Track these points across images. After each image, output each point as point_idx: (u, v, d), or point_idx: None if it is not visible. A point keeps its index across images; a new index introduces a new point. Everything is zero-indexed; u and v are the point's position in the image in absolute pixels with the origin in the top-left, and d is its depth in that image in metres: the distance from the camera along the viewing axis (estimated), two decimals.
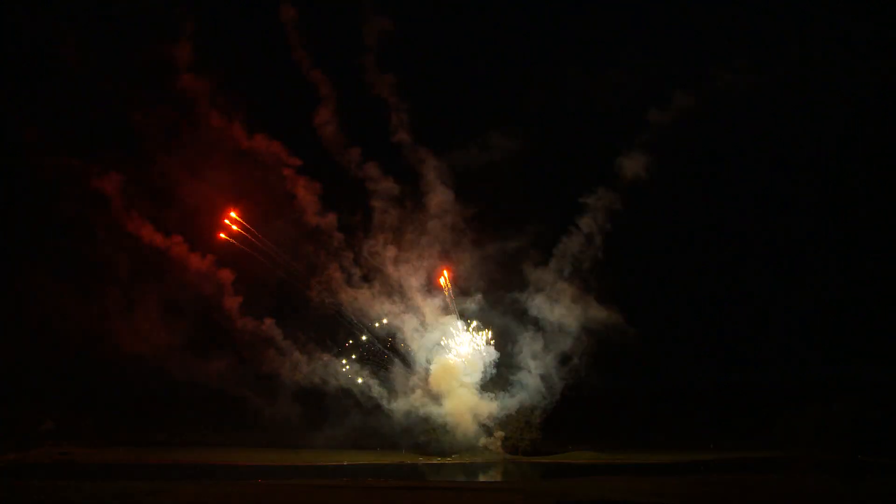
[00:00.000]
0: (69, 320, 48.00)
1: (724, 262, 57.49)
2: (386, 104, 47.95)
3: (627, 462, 43.45)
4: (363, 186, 48.30)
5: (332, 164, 48.28)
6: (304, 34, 47.98)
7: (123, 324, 48.05)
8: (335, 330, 49.08)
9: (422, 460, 45.69)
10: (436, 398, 47.42)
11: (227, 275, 47.82)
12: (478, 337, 48.29)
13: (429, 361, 48.36)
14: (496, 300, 48.56)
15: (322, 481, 36.46)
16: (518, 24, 58.07)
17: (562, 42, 56.36)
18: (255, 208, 47.92)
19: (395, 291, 48.55)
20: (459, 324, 48.35)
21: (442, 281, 48.28)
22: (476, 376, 47.75)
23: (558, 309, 47.30)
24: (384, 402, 47.88)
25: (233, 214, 47.15)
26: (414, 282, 48.18)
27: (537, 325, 47.87)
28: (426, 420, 47.31)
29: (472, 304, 48.49)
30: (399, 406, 47.62)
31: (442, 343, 48.24)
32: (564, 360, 47.54)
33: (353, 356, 48.86)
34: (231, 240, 47.29)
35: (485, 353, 48.01)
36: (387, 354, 49.07)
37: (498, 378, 48.08)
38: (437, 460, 45.68)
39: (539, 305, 47.64)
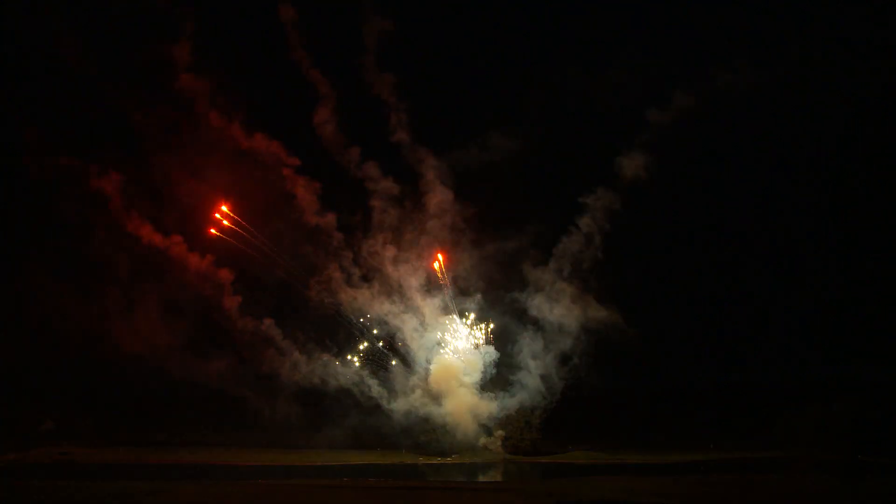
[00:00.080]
0: (69, 320, 48.05)
1: (724, 262, 57.58)
2: (385, 104, 48.00)
3: (627, 462, 43.47)
4: (363, 186, 48.38)
5: (331, 164, 48.37)
6: (303, 34, 48.07)
7: (123, 324, 48.08)
8: (335, 330, 49.16)
9: (422, 460, 45.65)
10: (436, 398, 47.42)
11: (226, 275, 47.85)
12: (476, 331, 48.36)
13: (429, 361, 48.40)
14: (496, 300, 48.63)
15: (322, 481, 36.48)
16: (518, 23, 58.20)
17: (562, 42, 56.47)
18: (254, 208, 47.90)
19: (394, 291, 48.56)
20: (456, 316, 48.40)
21: (437, 266, 48.26)
22: (476, 376, 47.77)
23: (558, 309, 47.29)
24: (384, 402, 47.88)
25: (224, 208, 47.00)
26: (413, 282, 48.19)
27: (537, 325, 47.91)
28: (426, 420, 47.30)
29: (471, 304, 48.58)
30: (399, 406, 47.62)
31: (439, 335, 48.28)
32: (564, 359, 47.55)
33: (353, 357, 48.83)
34: (222, 235, 47.21)
35: (483, 350, 48.06)
36: (387, 354, 49.08)
37: (498, 378, 48.10)
38: (437, 460, 45.65)
39: (539, 305, 47.64)
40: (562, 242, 47.81)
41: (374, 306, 48.53)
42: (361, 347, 48.95)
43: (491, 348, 48.24)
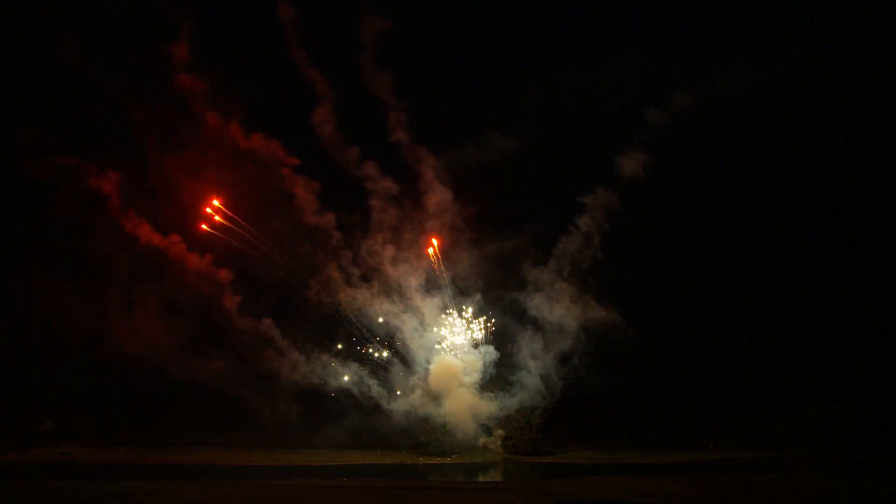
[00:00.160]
0: (69, 320, 48.08)
1: (724, 262, 57.48)
2: (384, 103, 47.91)
3: (627, 462, 43.46)
4: (362, 186, 48.36)
5: (330, 164, 48.32)
6: (302, 33, 47.99)
7: (123, 324, 48.09)
8: (334, 330, 49.17)
9: (422, 460, 45.66)
10: (436, 398, 47.42)
11: (226, 274, 47.87)
12: (475, 326, 48.35)
13: (428, 361, 48.38)
14: (495, 300, 48.63)
15: (322, 481, 36.53)
16: (517, 23, 58.11)
17: (561, 41, 56.40)
18: (253, 208, 47.88)
19: (393, 291, 48.54)
20: (454, 310, 48.45)
21: (431, 252, 48.23)
22: (476, 376, 47.77)
23: (558, 308, 47.32)
24: (384, 402, 47.88)
25: (215, 202, 46.84)
26: (413, 281, 48.18)
27: (537, 324, 47.91)
28: (426, 420, 47.31)
29: (471, 304, 48.54)
30: (399, 406, 47.63)
31: (435, 329, 48.25)
32: (564, 359, 47.58)
33: (353, 358, 48.84)
34: (212, 231, 47.12)
35: (483, 350, 48.05)
36: (386, 354, 49.07)
37: (498, 378, 48.10)
38: (437, 460, 45.66)
39: (538, 305, 47.67)
40: (561, 242, 47.89)
41: (373, 306, 48.53)
42: (361, 347, 49.01)
43: (491, 348, 48.27)
